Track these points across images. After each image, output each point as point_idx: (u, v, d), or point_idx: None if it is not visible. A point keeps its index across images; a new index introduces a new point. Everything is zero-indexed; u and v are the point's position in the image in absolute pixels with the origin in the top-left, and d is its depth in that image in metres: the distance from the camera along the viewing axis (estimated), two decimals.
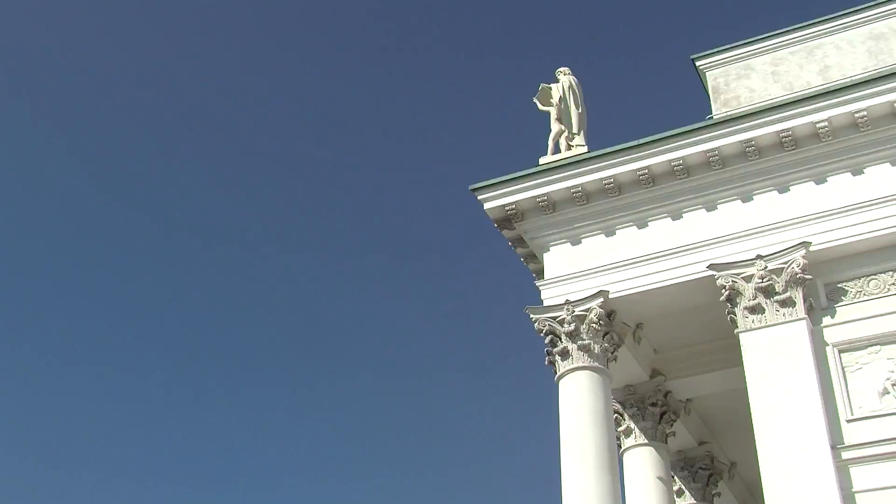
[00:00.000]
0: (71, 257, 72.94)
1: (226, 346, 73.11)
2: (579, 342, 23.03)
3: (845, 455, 19.90)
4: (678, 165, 23.30)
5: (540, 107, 25.76)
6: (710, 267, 22.40)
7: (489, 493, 69.80)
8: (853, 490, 19.65)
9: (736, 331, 21.84)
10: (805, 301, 21.28)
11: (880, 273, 21.34)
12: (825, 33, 26.57)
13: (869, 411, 20.29)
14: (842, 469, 19.73)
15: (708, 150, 23.06)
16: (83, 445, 69.08)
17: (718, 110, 25.81)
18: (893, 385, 20.30)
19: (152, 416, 69.31)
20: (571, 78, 25.84)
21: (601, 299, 23.17)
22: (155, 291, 72.72)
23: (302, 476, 69.72)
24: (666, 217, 23.62)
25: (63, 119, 73.75)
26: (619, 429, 25.61)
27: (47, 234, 72.74)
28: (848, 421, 20.28)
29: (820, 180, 22.44)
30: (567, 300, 23.44)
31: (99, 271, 72.88)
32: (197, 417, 70.26)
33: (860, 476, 19.76)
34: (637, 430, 25.59)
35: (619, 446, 25.44)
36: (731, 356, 22.85)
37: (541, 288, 24.29)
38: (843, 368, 20.77)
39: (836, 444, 19.98)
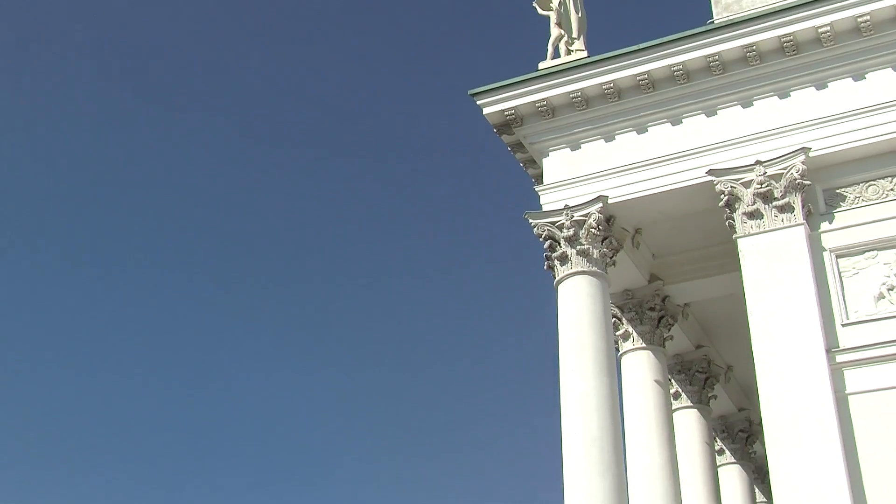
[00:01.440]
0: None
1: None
2: (578, 247, 23.13)
3: (840, 358, 20.16)
4: (678, 70, 23.16)
5: (540, 11, 25.51)
6: (710, 172, 22.40)
7: (489, 397, 70.69)
8: (846, 392, 19.94)
9: (734, 236, 21.93)
10: (803, 207, 21.34)
11: (879, 179, 21.36)
12: None
13: (864, 315, 20.49)
14: (836, 372, 20.01)
15: (708, 55, 22.90)
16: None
17: (719, 15, 25.54)
18: (889, 290, 20.46)
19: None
20: None
21: (600, 204, 23.22)
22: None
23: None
24: (665, 122, 23.56)
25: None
26: (618, 333, 25.86)
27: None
28: (843, 325, 20.49)
29: (821, 85, 22.33)
30: (566, 205, 23.48)
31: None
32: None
33: (854, 378, 20.04)
34: (635, 334, 25.83)
35: (618, 350, 25.72)
36: (728, 261, 22.99)
37: (540, 193, 24.31)
38: (839, 273, 20.92)
39: (832, 347, 20.22)
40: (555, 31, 24.94)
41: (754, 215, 21.69)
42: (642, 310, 25.80)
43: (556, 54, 24.80)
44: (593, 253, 23.11)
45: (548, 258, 23.68)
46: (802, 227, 21.15)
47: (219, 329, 72.90)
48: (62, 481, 66.86)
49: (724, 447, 31.51)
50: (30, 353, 70.91)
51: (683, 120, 23.37)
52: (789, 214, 21.36)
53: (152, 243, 72.12)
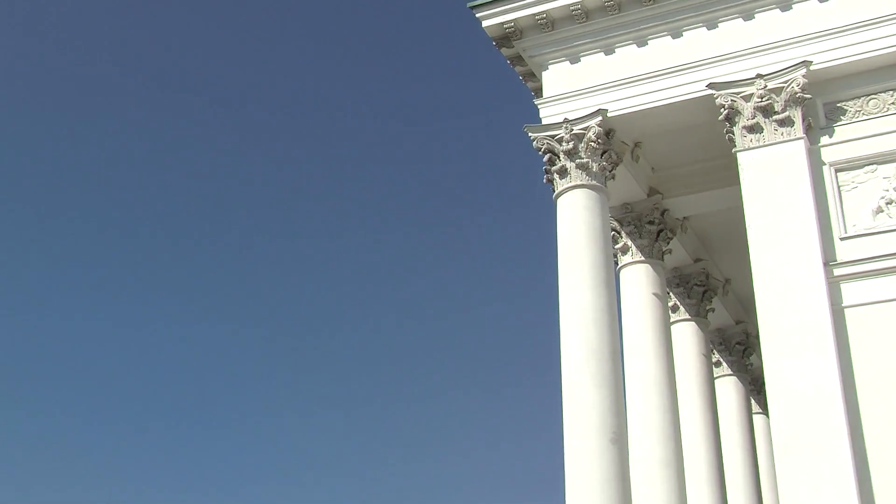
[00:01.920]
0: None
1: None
2: (577, 161, 23.12)
3: (837, 272, 20.28)
4: None
5: None
6: (710, 86, 22.29)
7: (489, 313, 71.08)
8: (843, 305, 20.12)
9: (734, 150, 21.90)
10: (804, 120, 21.27)
11: (880, 92, 21.26)
12: None
13: (863, 229, 20.55)
14: (833, 285, 20.15)
15: None
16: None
17: None
18: (888, 203, 20.50)
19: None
20: None
21: (600, 118, 23.15)
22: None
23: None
24: (666, 35, 23.36)
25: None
26: (616, 246, 25.95)
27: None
28: (841, 239, 20.57)
29: None
30: (566, 119, 23.42)
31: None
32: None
33: (850, 292, 20.20)
34: (634, 247, 25.92)
35: (616, 263, 25.83)
36: (728, 175, 22.97)
37: (539, 106, 24.24)
38: (838, 188, 20.94)
39: (829, 261, 20.33)
40: None
41: (754, 129, 21.63)
42: (641, 223, 25.85)
43: None
44: (592, 166, 23.09)
45: (547, 172, 23.67)
46: (802, 140, 21.11)
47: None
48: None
49: (721, 359, 31.83)
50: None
51: (684, 33, 23.19)
52: (789, 128, 21.30)
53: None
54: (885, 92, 21.22)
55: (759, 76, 21.78)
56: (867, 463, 18.93)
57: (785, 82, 21.50)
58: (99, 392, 68.62)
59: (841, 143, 21.21)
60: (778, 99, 21.48)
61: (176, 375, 69.70)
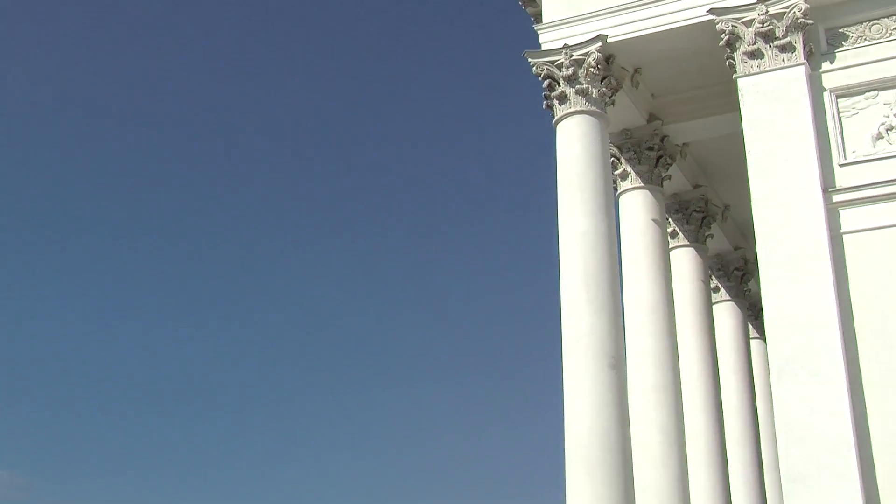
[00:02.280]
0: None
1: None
2: (577, 86, 23.04)
3: (836, 198, 20.33)
4: None
5: None
6: (711, 11, 22.11)
7: (490, 233, 71.25)
8: (841, 231, 20.20)
9: (734, 76, 21.81)
10: (805, 46, 21.15)
11: (883, 17, 21.08)
12: None
13: (862, 155, 20.56)
14: (832, 211, 20.21)
15: None
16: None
17: None
18: (888, 130, 20.47)
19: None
20: None
21: (599, 43, 23.01)
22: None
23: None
24: None
25: None
26: (616, 172, 25.96)
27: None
28: (841, 165, 20.58)
29: None
30: (565, 44, 23.28)
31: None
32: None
33: (849, 218, 20.26)
34: (633, 173, 25.92)
35: (616, 189, 25.85)
36: (728, 101, 22.92)
37: (539, 32, 24.07)
38: (839, 114, 20.89)
39: (828, 187, 20.37)
40: None
41: (755, 55, 21.52)
42: (641, 149, 25.83)
43: None
44: (592, 92, 23.03)
45: (546, 98, 23.61)
46: (803, 66, 21.01)
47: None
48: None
49: (720, 285, 31.99)
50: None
51: None
52: (790, 54, 21.19)
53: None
54: (887, 17, 21.04)
55: (761, 1, 21.60)
56: (862, 387, 19.16)
57: (786, 7, 21.32)
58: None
59: (842, 68, 21.11)
60: (779, 24, 21.33)
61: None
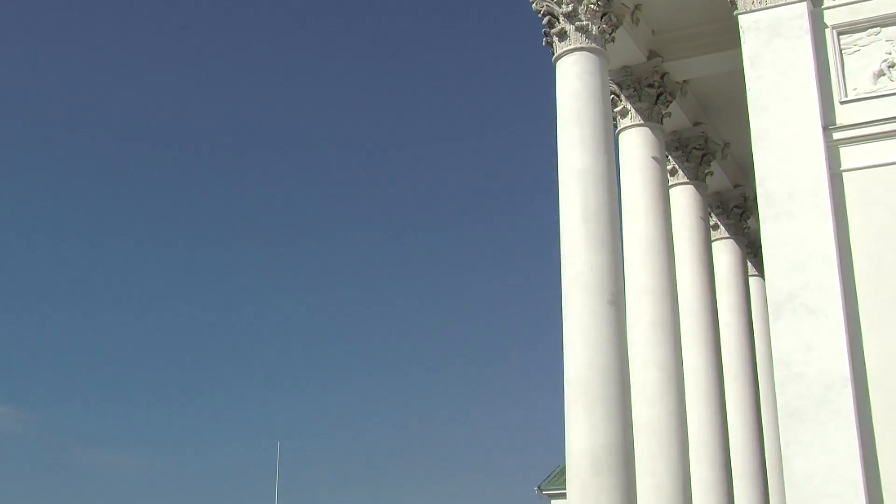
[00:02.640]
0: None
1: None
2: (577, 23, 22.88)
3: (836, 136, 20.28)
4: None
5: None
6: None
7: (485, 175, 71.27)
8: (841, 169, 20.17)
9: (735, 12, 21.63)
10: None
11: None
12: None
13: (863, 93, 20.45)
14: (832, 149, 20.17)
15: None
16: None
17: None
18: (890, 67, 20.36)
19: None
20: None
21: None
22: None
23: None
24: None
25: None
26: (616, 110, 25.89)
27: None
28: (842, 102, 20.50)
29: None
30: None
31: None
32: None
33: (849, 155, 20.22)
34: (633, 110, 25.86)
35: (615, 127, 25.80)
36: (729, 38, 22.76)
37: None
38: (840, 51, 20.75)
39: (829, 124, 20.31)
40: None
41: None
42: (641, 87, 25.74)
43: None
44: (592, 29, 22.88)
45: (546, 35, 23.46)
46: (805, 2, 20.83)
47: None
48: None
49: (719, 222, 32.05)
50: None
51: None
52: None
53: None
54: None
55: None
56: (859, 324, 19.27)
57: None
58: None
59: (844, 5, 20.90)
60: None
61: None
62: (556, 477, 70.61)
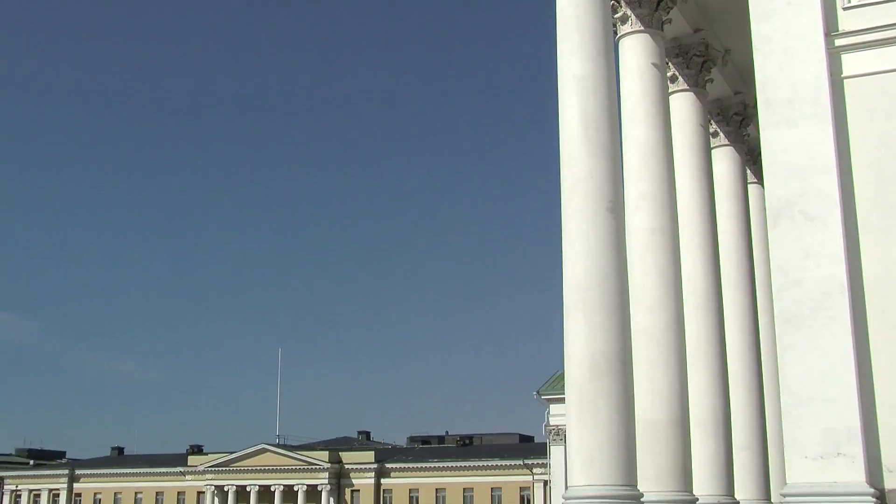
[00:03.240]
0: None
1: None
2: None
3: (838, 42, 20.13)
4: None
5: None
6: None
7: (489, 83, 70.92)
8: (842, 76, 20.07)
9: None
10: None
11: None
12: None
13: None
14: (833, 56, 20.05)
15: None
16: None
17: None
18: None
19: None
20: None
21: None
22: None
23: None
24: None
25: None
26: (616, 16, 25.61)
27: None
28: (844, 8, 20.31)
29: None
30: None
31: None
32: None
33: (850, 62, 20.11)
34: (633, 16, 25.60)
35: (615, 33, 25.57)
36: None
37: None
38: None
39: (831, 30, 20.15)
40: None
41: None
42: None
43: None
44: None
45: None
46: None
47: None
48: None
49: (719, 129, 31.98)
50: None
51: None
52: None
53: None
54: None
55: None
56: (857, 231, 19.37)
57: None
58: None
59: None
60: None
61: None
62: (555, 382, 71.61)
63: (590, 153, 21.49)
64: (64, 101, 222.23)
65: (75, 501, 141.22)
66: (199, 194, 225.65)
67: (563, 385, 21.66)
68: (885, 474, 18.37)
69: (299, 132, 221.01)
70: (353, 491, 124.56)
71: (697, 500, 23.49)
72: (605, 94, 21.98)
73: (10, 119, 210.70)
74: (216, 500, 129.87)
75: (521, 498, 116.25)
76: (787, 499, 18.42)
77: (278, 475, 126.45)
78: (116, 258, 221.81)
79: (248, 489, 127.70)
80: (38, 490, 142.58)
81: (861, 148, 19.73)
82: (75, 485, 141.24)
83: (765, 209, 20.32)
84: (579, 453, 20.61)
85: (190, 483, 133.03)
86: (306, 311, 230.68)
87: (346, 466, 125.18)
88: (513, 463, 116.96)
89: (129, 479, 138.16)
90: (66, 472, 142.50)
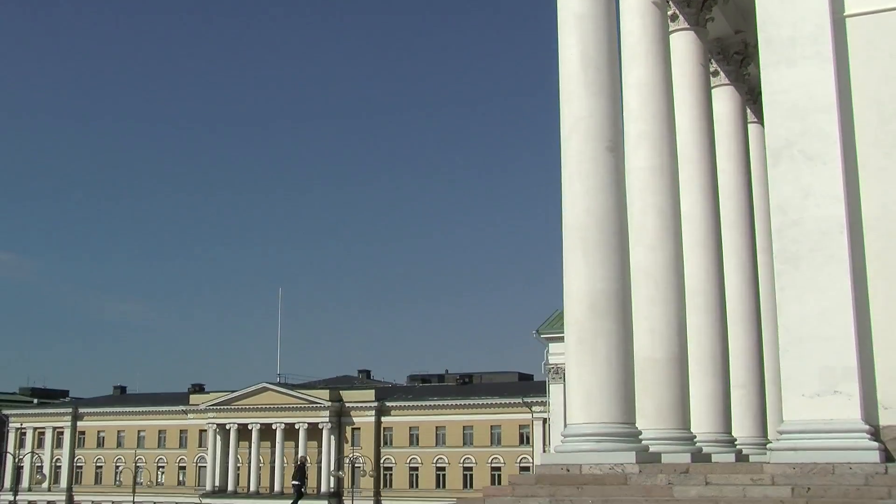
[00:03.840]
0: None
1: None
2: None
3: None
4: None
5: None
6: None
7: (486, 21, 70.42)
8: (844, 14, 19.99)
9: None
10: None
11: None
12: None
13: None
14: None
15: None
16: None
17: None
18: None
19: None
20: None
21: None
22: None
23: None
24: None
25: None
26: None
27: None
28: None
29: None
30: None
31: None
32: None
33: (853, 0, 19.99)
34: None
35: None
36: None
37: None
38: None
39: None
40: None
41: None
42: None
43: None
44: None
45: None
46: None
47: None
48: None
49: (719, 69, 31.79)
50: None
51: None
52: None
53: None
54: None
55: None
56: (857, 171, 19.38)
57: None
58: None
59: None
60: None
61: None
62: (555, 321, 71.90)
63: (589, 92, 21.43)
64: (56, 37, 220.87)
65: (79, 439, 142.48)
66: (201, 133, 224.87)
67: (563, 324, 21.77)
68: (881, 411, 18.56)
69: (299, 75, 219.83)
70: (353, 429, 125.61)
71: (695, 437, 23.72)
72: (604, 32, 21.86)
73: (8, 56, 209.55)
74: (218, 437, 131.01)
75: (521, 436, 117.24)
76: (784, 436, 18.61)
77: (279, 413, 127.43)
78: (117, 198, 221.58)
79: (249, 427, 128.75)
80: (43, 428, 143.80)
81: (862, 87, 19.67)
82: (79, 423, 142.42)
83: (765, 149, 20.31)
84: (578, 391, 20.78)
85: (192, 421, 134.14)
86: (306, 251, 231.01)
87: (347, 405, 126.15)
88: (512, 401, 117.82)
89: (131, 417, 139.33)
90: (70, 410, 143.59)
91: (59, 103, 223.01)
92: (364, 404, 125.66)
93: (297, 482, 43.30)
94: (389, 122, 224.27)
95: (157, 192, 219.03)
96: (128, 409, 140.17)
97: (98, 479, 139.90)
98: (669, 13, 27.28)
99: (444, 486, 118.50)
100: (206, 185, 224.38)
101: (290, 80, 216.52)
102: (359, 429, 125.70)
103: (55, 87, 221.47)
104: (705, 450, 23.69)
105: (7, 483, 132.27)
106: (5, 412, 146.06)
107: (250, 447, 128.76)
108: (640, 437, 21.07)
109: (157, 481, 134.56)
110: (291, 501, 44.30)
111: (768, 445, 20.91)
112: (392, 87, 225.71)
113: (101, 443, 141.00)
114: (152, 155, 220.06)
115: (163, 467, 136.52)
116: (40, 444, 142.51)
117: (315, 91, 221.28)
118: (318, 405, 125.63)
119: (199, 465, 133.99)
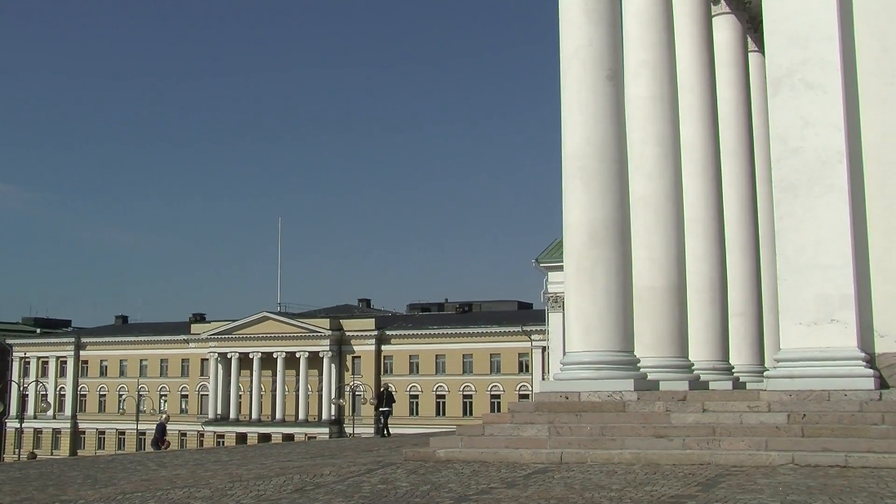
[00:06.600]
0: None
1: None
2: None
3: None
4: None
5: None
6: None
7: None
8: None
9: None
10: None
11: None
12: None
13: None
14: None
15: None
16: None
17: None
18: None
19: None
20: None
21: None
22: None
23: None
24: None
25: None
26: None
27: None
28: None
29: None
30: None
31: None
32: None
33: None
34: None
35: None
36: None
37: None
38: None
39: None
40: None
41: None
42: None
43: None
44: None
45: None
46: None
47: None
48: None
49: None
50: None
51: None
52: None
53: None
54: None
55: None
56: (857, 100, 19.34)
57: None
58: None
59: None
60: None
61: None
62: (554, 250, 72.00)
63: (589, 20, 21.29)
64: None
65: (82, 368, 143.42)
66: (200, 67, 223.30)
67: (562, 253, 21.86)
68: (877, 339, 18.73)
69: (307, 20, 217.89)
70: (353, 357, 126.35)
71: (693, 365, 23.93)
72: None
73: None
74: (219, 366, 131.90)
75: (520, 364, 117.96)
76: (780, 364, 18.80)
77: (280, 342, 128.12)
78: (115, 130, 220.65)
79: (250, 356, 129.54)
80: (46, 357, 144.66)
81: (864, 16, 19.56)
82: (81, 352, 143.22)
83: (765, 78, 20.25)
84: (577, 320, 20.92)
85: (193, 350, 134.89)
86: (306, 180, 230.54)
87: (347, 333, 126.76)
88: (511, 330, 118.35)
89: (133, 346, 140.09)
90: (73, 340, 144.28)
91: (62, 48, 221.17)
92: (364, 333, 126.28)
93: (387, 408, 43.60)
94: (390, 59, 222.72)
95: (155, 124, 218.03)
96: (130, 339, 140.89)
97: (101, 407, 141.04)
98: None
99: (444, 414, 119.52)
100: (204, 117, 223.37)
101: (297, 27, 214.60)
102: (359, 357, 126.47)
103: (59, 36, 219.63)
104: (703, 377, 23.92)
105: (13, 411, 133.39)
106: (9, 342, 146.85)
107: (251, 376, 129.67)
108: (638, 365, 21.27)
109: (159, 409, 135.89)
110: (381, 425, 44.82)
111: (765, 373, 21.10)
112: (392, 29, 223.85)
113: (103, 372, 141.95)
114: (155, 95, 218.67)
115: (165, 395, 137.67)
116: (44, 373, 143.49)
117: (321, 34, 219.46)
118: (319, 334, 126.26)
119: (202, 393, 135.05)
